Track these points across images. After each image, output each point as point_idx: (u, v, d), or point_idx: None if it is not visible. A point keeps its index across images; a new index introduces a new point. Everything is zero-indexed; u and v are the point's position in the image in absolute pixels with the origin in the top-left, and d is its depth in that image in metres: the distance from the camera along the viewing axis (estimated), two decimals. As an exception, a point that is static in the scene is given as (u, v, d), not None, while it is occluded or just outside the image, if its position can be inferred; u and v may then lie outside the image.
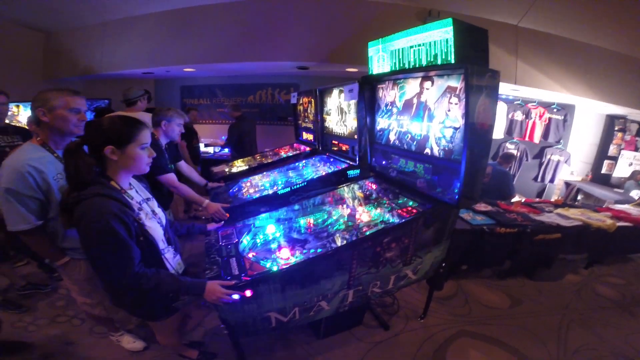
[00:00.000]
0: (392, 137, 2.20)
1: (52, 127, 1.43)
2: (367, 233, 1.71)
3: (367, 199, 2.24)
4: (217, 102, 6.22)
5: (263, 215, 2.08)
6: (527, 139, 5.22)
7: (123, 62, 4.60)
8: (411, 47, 1.87)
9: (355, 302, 1.73)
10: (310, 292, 1.48)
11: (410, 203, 1.94)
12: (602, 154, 5.53)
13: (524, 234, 2.74)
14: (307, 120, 3.79)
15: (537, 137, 5.19)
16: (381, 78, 2.22)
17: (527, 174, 5.40)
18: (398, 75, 2.03)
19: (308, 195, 2.30)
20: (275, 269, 1.47)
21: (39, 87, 4.74)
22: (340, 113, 2.91)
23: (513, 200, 3.81)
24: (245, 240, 1.80)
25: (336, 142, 3.04)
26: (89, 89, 5.71)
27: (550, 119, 5.16)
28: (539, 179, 5.37)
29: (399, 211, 1.91)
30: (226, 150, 5.63)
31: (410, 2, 3.64)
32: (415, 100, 1.96)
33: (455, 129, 1.68)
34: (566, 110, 5.14)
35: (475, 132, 1.58)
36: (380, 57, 2.21)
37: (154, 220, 1.32)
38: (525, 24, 3.85)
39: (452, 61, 1.61)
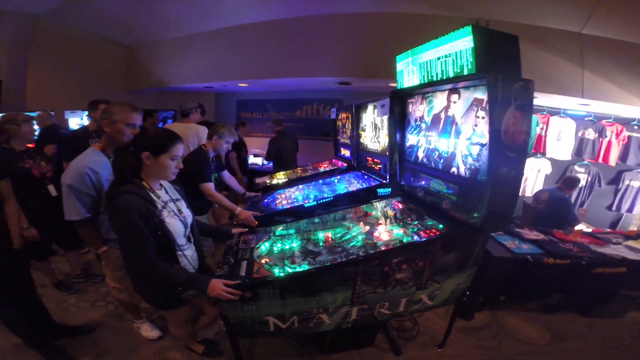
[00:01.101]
0: (421, 154, 2.12)
1: (110, 137, 1.71)
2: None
3: (392, 219, 2.17)
4: (268, 116, 6.61)
5: (285, 225, 2.15)
6: (600, 161, 4.55)
7: (187, 77, 5.18)
8: (438, 58, 1.81)
9: (361, 321, 1.67)
10: (310, 302, 1.48)
11: (441, 226, 1.82)
12: None
13: (578, 266, 2.40)
14: (344, 136, 3.82)
15: (612, 159, 4.49)
16: (410, 92, 2.17)
17: (600, 202, 4.67)
18: (426, 88, 1.97)
19: (334, 209, 2.32)
20: (280, 275, 1.50)
21: (120, 97, 5.57)
22: (374, 129, 2.88)
23: (576, 228, 3.35)
24: (263, 246, 1.88)
25: (370, 159, 3.01)
26: (160, 99, 6.50)
27: (629, 137, 4.45)
28: (614, 208, 4.62)
29: (422, 233, 1.81)
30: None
31: (455, 12, 3.50)
32: (442, 115, 1.87)
33: (482, 145, 1.56)
34: (653, 128, 4.40)
35: (504, 148, 1.46)
36: (410, 71, 2.17)
37: (176, 219, 1.47)
38: (589, 30, 3.44)
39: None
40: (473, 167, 1.63)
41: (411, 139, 2.23)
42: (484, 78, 1.44)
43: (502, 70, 1.50)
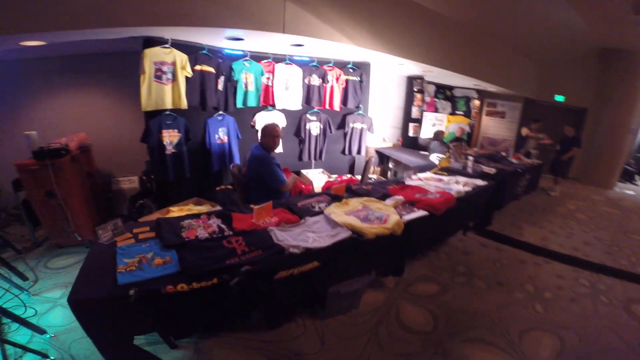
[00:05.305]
0: None
1: None
2: None
3: None
4: None
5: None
6: (327, 107, 4.38)
7: None
8: None
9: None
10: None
11: None
12: (406, 117, 5.23)
13: (237, 282, 1.48)
14: None
15: (336, 104, 4.40)
16: None
17: (335, 147, 4.58)
18: None
19: None
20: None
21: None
22: None
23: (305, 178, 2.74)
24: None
25: None
26: None
27: (347, 81, 4.42)
28: (346, 152, 4.66)
29: None
30: None
31: None
32: None
33: None
34: (361, 70, 4.46)
35: None
36: None
37: None
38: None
39: None
40: None
41: None
42: None
43: None
